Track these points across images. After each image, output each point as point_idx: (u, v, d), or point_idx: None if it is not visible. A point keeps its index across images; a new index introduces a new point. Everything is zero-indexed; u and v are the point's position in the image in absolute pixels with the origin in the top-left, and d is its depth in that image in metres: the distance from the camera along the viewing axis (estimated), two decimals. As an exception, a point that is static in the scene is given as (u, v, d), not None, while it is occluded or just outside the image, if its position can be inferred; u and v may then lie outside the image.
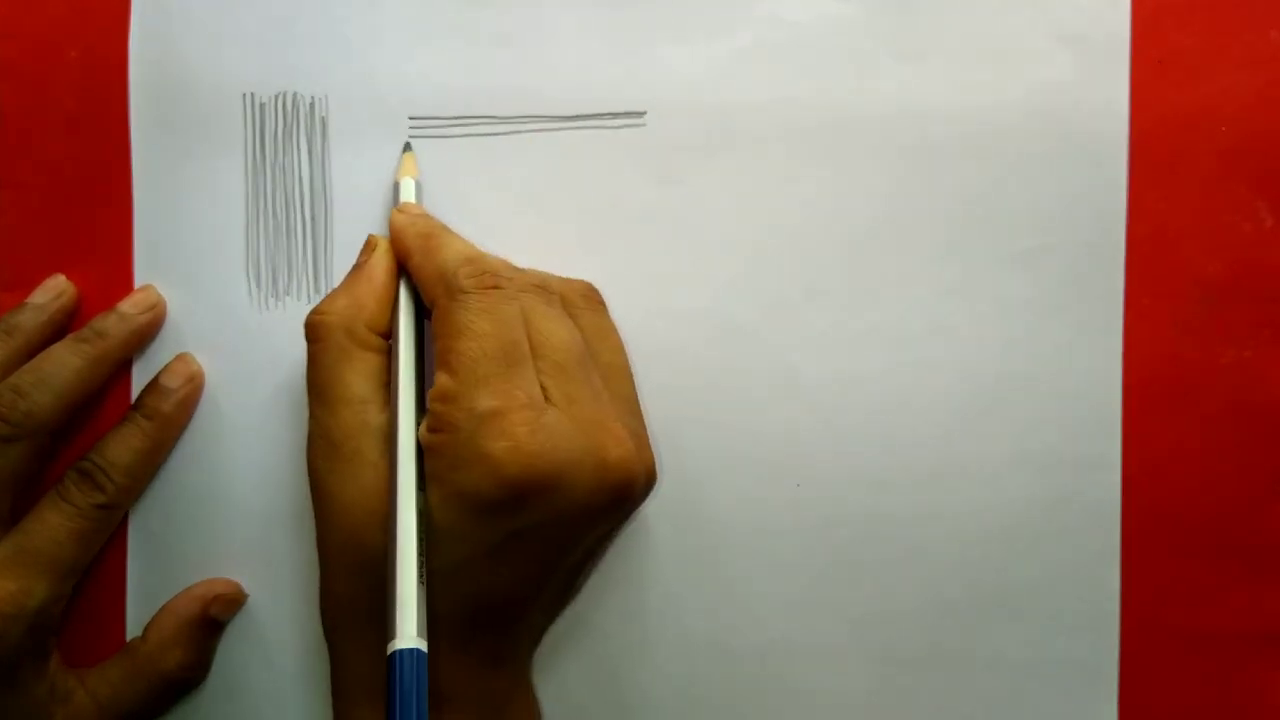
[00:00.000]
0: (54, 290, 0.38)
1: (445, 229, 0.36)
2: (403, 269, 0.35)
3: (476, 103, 0.37)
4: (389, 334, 0.34)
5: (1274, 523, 0.36)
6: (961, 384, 0.37)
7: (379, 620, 0.31)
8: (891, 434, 0.37)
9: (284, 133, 0.38)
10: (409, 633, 0.29)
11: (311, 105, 0.38)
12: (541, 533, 0.31)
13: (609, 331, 0.36)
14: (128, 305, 0.37)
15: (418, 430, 0.32)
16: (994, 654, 0.37)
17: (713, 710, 0.37)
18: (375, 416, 0.33)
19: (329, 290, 0.37)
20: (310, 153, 0.38)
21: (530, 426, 0.30)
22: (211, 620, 0.37)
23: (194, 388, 0.37)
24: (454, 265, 0.33)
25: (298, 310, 0.38)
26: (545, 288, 0.34)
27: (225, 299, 0.38)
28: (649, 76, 0.37)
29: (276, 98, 0.38)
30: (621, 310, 0.37)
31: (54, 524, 0.35)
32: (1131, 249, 0.36)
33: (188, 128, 0.38)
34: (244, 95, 0.38)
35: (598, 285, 0.37)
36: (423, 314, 0.35)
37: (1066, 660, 0.37)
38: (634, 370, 0.36)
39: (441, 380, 0.31)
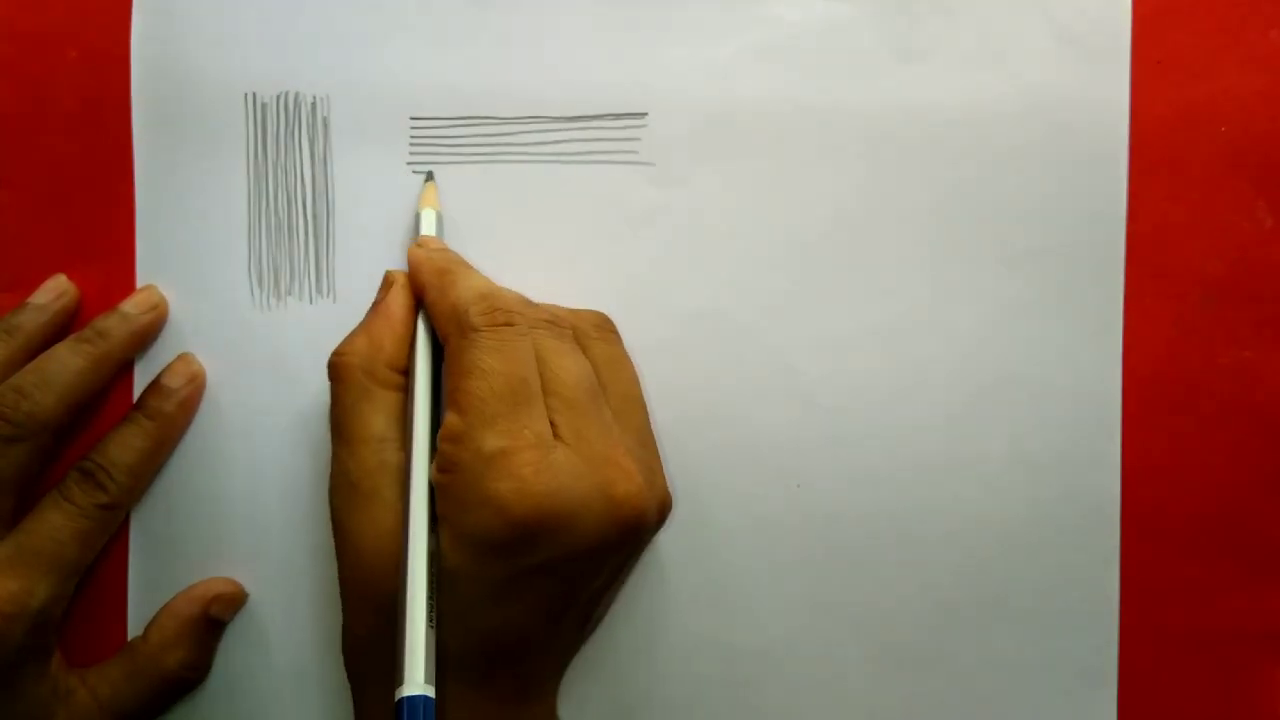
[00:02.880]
0: (55, 290, 0.38)
1: (462, 264, 0.35)
2: (420, 305, 0.35)
3: (478, 103, 0.37)
4: (409, 371, 0.34)
5: (1274, 523, 0.36)
6: (961, 384, 0.37)
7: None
8: (891, 434, 0.37)
9: (286, 133, 0.38)
10: (417, 679, 0.29)
11: (313, 105, 0.38)
12: (553, 570, 0.31)
13: (622, 362, 0.36)
14: (129, 305, 0.37)
15: (430, 469, 0.32)
16: (994, 654, 0.37)
17: (712, 709, 0.37)
18: (394, 455, 0.33)
19: (331, 290, 0.38)
20: (312, 153, 0.38)
21: (536, 466, 0.30)
22: (212, 620, 0.37)
23: (195, 388, 0.38)
24: (466, 302, 0.33)
25: (300, 310, 0.38)
26: (556, 322, 0.34)
27: (227, 299, 0.38)
28: (650, 78, 0.37)
29: (278, 98, 0.38)
30: (621, 310, 0.37)
31: (56, 524, 0.35)
32: (1131, 249, 0.36)
33: (190, 127, 0.38)
34: (246, 95, 0.38)
35: (598, 285, 0.37)
36: (440, 351, 0.34)
37: (1066, 660, 0.37)
38: (635, 371, 0.36)
39: (450, 420, 0.31)
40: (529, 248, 0.37)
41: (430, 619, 0.30)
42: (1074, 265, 0.37)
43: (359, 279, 0.37)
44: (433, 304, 0.34)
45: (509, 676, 0.33)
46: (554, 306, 0.35)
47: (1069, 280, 0.37)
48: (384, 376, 0.33)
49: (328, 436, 0.36)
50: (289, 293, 0.38)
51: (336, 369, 0.33)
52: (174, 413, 0.37)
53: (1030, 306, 0.37)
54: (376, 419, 0.33)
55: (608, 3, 0.37)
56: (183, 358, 0.38)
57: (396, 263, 0.37)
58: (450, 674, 0.31)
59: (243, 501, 0.38)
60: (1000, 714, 0.37)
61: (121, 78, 0.38)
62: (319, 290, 0.38)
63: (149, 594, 0.38)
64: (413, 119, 0.37)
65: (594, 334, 0.35)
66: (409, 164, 0.37)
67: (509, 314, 0.33)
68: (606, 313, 0.36)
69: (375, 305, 0.35)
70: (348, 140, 0.38)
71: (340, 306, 0.37)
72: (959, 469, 0.37)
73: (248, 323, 0.38)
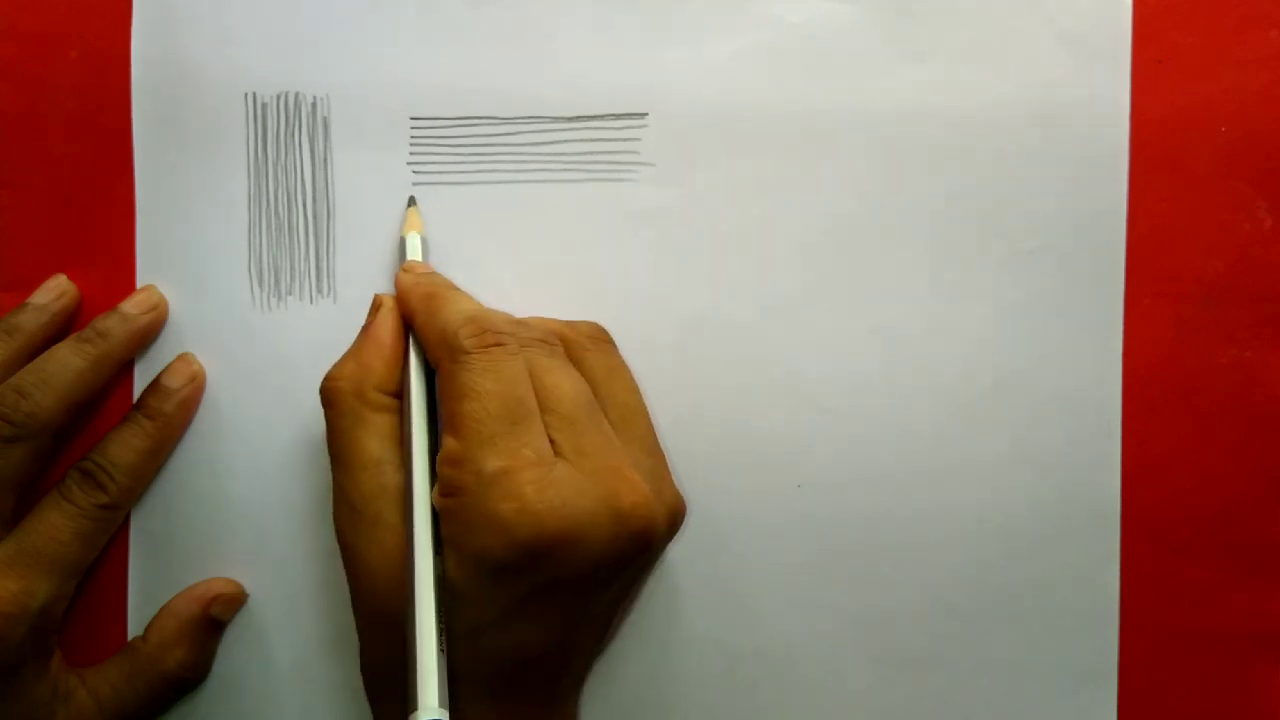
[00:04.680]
0: (55, 290, 0.38)
1: (450, 287, 0.35)
2: (410, 330, 0.35)
3: (478, 103, 0.37)
4: (400, 393, 0.34)
5: (1274, 523, 0.36)
6: (961, 384, 0.37)
7: None
8: (892, 434, 0.37)
9: (286, 133, 0.38)
10: (430, 704, 0.29)
11: (314, 105, 0.38)
12: (564, 586, 0.31)
13: (620, 371, 0.36)
14: (129, 305, 0.37)
15: (432, 493, 0.32)
16: (994, 654, 0.37)
17: (712, 710, 0.37)
18: (392, 478, 0.33)
19: (331, 290, 0.38)
20: (312, 153, 0.38)
21: (538, 485, 0.30)
22: (212, 620, 0.37)
23: (195, 388, 0.38)
24: (455, 326, 0.33)
25: (300, 310, 0.38)
26: (547, 339, 0.34)
27: (227, 299, 0.38)
28: (651, 78, 0.37)
29: (278, 97, 0.38)
30: (621, 312, 0.37)
31: (56, 524, 0.35)
32: (1131, 249, 0.36)
33: (190, 127, 0.38)
34: (246, 95, 0.38)
35: (598, 286, 0.37)
36: (434, 375, 0.34)
37: (1066, 660, 0.37)
38: (634, 371, 0.36)
39: (449, 444, 0.31)
40: (529, 250, 0.37)
41: (441, 642, 0.30)
42: (1074, 265, 0.37)
43: (359, 279, 0.37)
44: (421, 329, 0.34)
45: (528, 691, 0.33)
46: (545, 320, 0.35)
47: (1069, 280, 0.37)
48: (374, 400, 0.33)
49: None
50: (289, 293, 0.38)
51: (327, 394, 0.34)
52: (174, 413, 0.37)
53: (1030, 306, 0.37)
54: (371, 443, 0.33)
55: (608, 3, 0.37)
56: (183, 358, 0.38)
57: (397, 263, 0.37)
58: (467, 694, 0.31)
59: (242, 501, 0.38)
60: (1000, 714, 0.37)
61: (121, 78, 0.38)
62: (319, 290, 0.38)
63: (149, 594, 0.38)
64: (413, 119, 0.37)
65: (589, 345, 0.35)
66: (409, 164, 0.37)
67: (498, 334, 0.33)
68: (605, 315, 0.36)
69: (364, 329, 0.35)
70: (348, 140, 0.38)
71: (340, 306, 0.37)
72: (959, 469, 0.37)
73: (248, 323, 0.38)
